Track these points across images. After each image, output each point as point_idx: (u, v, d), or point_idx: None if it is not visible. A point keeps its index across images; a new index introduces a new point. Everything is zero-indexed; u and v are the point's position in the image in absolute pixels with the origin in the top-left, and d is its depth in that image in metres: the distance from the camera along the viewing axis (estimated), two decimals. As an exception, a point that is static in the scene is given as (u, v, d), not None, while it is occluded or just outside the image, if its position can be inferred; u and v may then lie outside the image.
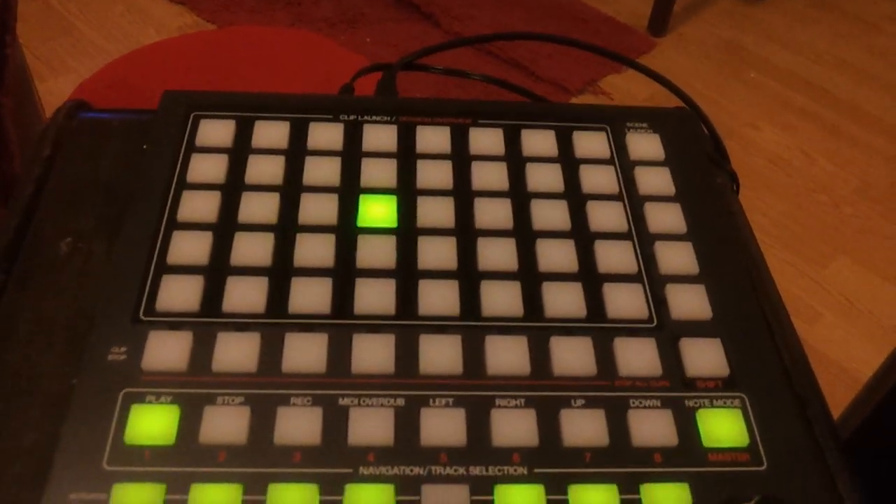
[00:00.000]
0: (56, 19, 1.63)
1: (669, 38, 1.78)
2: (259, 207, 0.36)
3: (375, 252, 0.34)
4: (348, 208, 0.36)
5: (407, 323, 0.32)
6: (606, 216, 0.37)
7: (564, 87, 1.55)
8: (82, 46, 1.58)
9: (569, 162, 0.39)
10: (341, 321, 0.32)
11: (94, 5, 1.66)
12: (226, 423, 0.29)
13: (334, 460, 0.28)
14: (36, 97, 1.08)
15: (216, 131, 0.38)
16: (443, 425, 0.30)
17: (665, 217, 0.38)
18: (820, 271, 1.33)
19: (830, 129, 1.60)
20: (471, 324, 0.33)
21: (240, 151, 0.38)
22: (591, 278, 0.35)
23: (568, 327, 0.33)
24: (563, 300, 0.34)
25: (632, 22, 1.78)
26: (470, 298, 0.34)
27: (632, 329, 0.34)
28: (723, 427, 0.31)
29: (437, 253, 0.35)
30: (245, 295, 0.33)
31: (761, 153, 1.54)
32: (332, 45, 1.01)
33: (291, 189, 0.37)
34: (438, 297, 0.33)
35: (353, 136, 0.39)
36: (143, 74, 0.94)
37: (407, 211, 0.36)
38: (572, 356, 0.32)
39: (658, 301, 0.35)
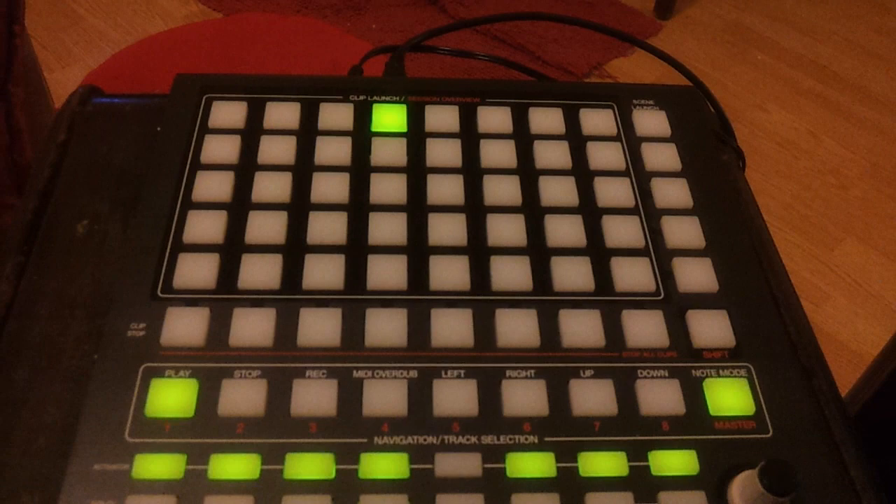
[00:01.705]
0: (64, 10, 1.63)
1: (675, 20, 1.77)
2: (272, 187, 0.36)
3: (387, 229, 0.35)
4: (360, 186, 0.37)
5: (419, 297, 0.33)
6: (614, 192, 0.38)
7: (571, 72, 1.55)
8: (90, 37, 1.59)
9: (576, 139, 0.40)
10: (354, 296, 0.33)
11: (102, -5, 1.67)
12: (243, 396, 0.30)
13: (349, 431, 0.29)
14: (45, 87, 1.09)
15: (228, 113, 0.39)
16: (455, 396, 0.30)
17: (671, 192, 0.38)
18: (828, 253, 1.33)
19: (838, 111, 1.60)
20: (481, 298, 0.33)
21: (252, 132, 0.39)
22: (598, 252, 0.36)
23: (576, 300, 0.34)
24: (572, 274, 0.34)
25: (638, 5, 1.78)
26: (480, 273, 0.34)
27: (639, 302, 0.34)
28: (729, 396, 0.32)
29: (447, 229, 0.35)
30: (260, 272, 0.33)
31: (769, 135, 1.53)
32: (337, 32, 1.01)
33: (303, 168, 0.37)
34: (449, 272, 0.34)
35: (362, 116, 0.40)
36: (151, 64, 0.95)
37: (417, 189, 0.37)
38: (581, 328, 0.33)
39: (665, 274, 0.35)
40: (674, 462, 0.30)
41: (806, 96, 1.62)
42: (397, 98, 0.41)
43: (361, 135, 0.39)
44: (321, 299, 0.33)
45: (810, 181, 1.45)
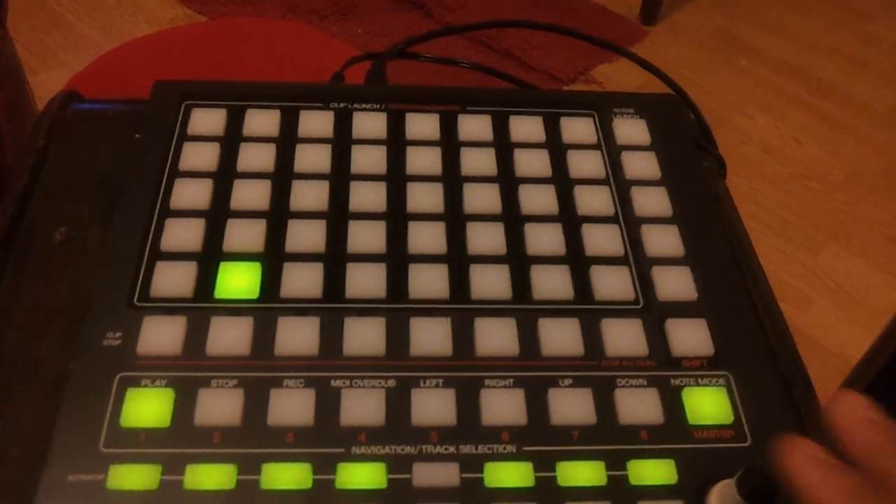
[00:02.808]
0: (48, 13, 1.62)
1: (661, 26, 1.78)
2: (251, 194, 0.36)
3: (366, 237, 0.35)
4: (339, 194, 0.37)
5: (397, 306, 0.33)
6: (593, 200, 0.38)
7: (556, 77, 1.55)
8: (74, 40, 1.58)
9: (556, 147, 0.40)
10: (333, 305, 0.33)
11: (86, -1, 1.66)
12: (220, 406, 0.29)
13: (327, 440, 0.29)
14: (28, 91, 1.08)
15: (208, 120, 0.39)
16: (433, 405, 0.30)
17: (651, 201, 0.38)
18: (811, 258, 1.33)
19: (822, 117, 1.61)
20: (460, 306, 0.33)
21: (231, 140, 0.38)
22: (578, 261, 0.36)
23: (556, 309, 0.34)
24: (551, 283, 0.34)
25: (623, 11, 1.78)
26: (459, 282, 0.34)
27: (618, 310, 0.34)
28: (708, 405, 0.32)
29: (426, 238, 0.35)
30: (238, 281, 0.33)
31: (753, 141, 1.54)
32: (323, 37, 1.01)
33: (283, 176, 0.37)
34: (428, 281, 0.34)
35: (343, 124, 0.40)
36: (135, 67, 0.94)
37: (397, 197, 0.37)
38: (560, 337, 0.33)
39: (644, 283, 0.35)
40: (652, 471, 0.30)
41: (790, 102, 1.63)
42: (378, 106, 0.40)
43: (341, 142, 0.39)
44: (299, 308, 0.33)
45: (794, 186, 1.46)
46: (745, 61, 1.72)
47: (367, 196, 0.37)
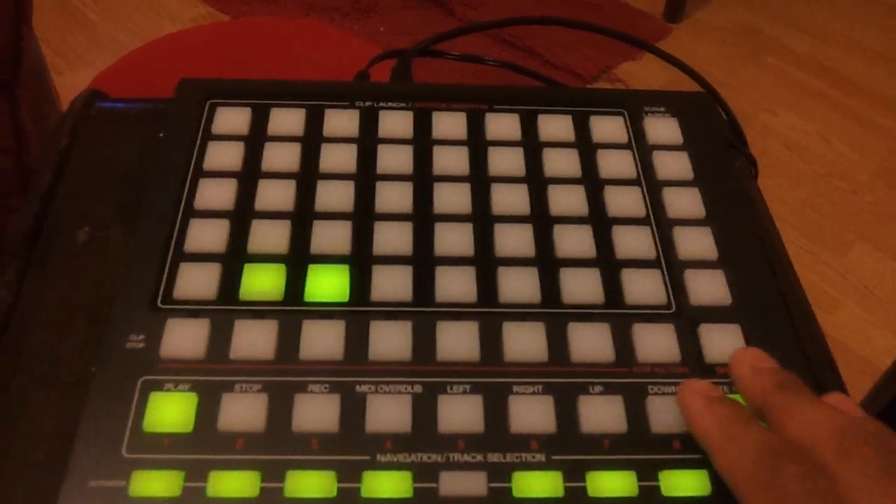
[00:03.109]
0: (72, 13, 1.64)
1: (685, 24, 1.76)
2: (275, 195, 0.36)
3: (392, 239, 0.34)
4: (365, 194, 0.36)
5: (424, 310, 0.32)
6: (624, 201, 0.37)
7: (579, 75, 1.54)
8: (98, 40, 1.59)
9: (586, 147, 0.39)
10: (358, 308, 0.32)
11: (110, -1, 1.67)
12: (244, 411, 0.29)
13: (352, 447, 0.28)
14: (53, 90, 1.09)
15: (232, 119, 0.38)
16: (460, 412, 0.30)
17: (683, 202, 0.37)
18: (839, 259, 1.31)
19: (849, 114, 1.58)
20: (488, 310, 0.33)
21: (256, 139, 0.38)
22: (608, 264, 0.35)
23: (586, 313, 0.33)
24: (581, 286, 0.34)
25: (647, 8, 1.77)
26: (487, 285, 0.33)
27: (650, 315, 0.33)
28: (743, 413, 0.31)
29: (453, 239, 0.35)
30: (262, 282, 0.33)
31: (779, 139, 1.52)
32: (345, 35, 1.01)
33: (308, 176, 0.37)
34: (455, 284, 0.33)
35: (368, 123, 0.39)
36: (158, 66, 0.94)
37: (423, 198, 0.36)
38: (590, 342, 0.32)
39: (677, 287, 0.34)
40: (685, 482, 0.29)
41: (816, 99, 1.61)
42: (404, 104, 0.40)
43: (367, 141, 0.38)
44: (324, 311, 0.32)
45: (821, 185, 1.44)
46: (771, 58, 1.70)
47: (393, 196, 0.36)
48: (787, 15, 1.80)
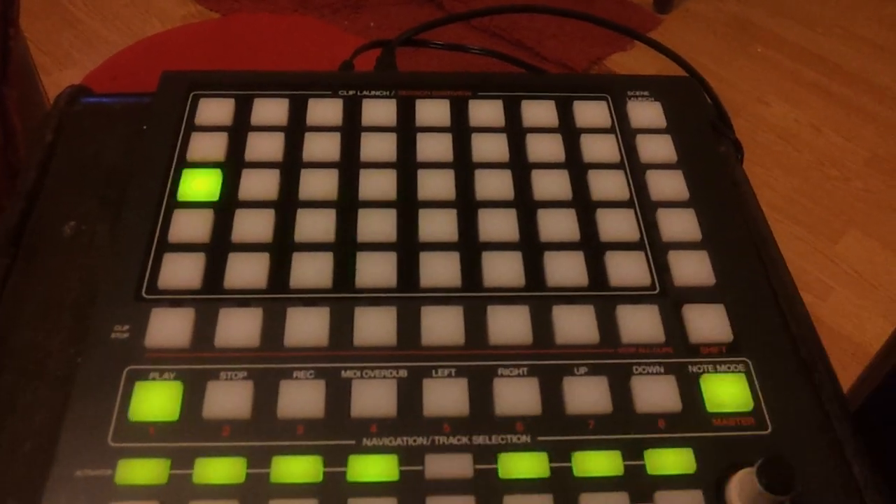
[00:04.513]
0: (60, 12, 1.63)
1: (675, 14, 1.76)
2: (259, 184, 0.36)
3: (376, 226, 0.34)
4: (349, 182, 0.36)
5: (408, 295, 0.32)
6: (608, 185, 0.37)
7: (569, 67, 1.54)
8: (87, 38, 1.58)
9: (569, 132, 0.39)
10: (343, 295, 0.32)
11: (99, -3, 1.66)
12: (229, 398, 0.29)
13: (337, 432, 0.29)
14: (41, 89, 1.08)
15: (215, 110, 0.38)
16: (445, 395, 0.30)
17: (667, 185, 0.37)
18: (830, 246, 1.32)
19: (840, 102, 1.59)
20: (472, 294, 0.33)
21: (239, 129, 0.38)
22: (592, 247, 0.35)
23: (570, 296, 0.33)
24: (565, 269, 0.34)
25: (637, -1, 1.77)
26: (471, 269, 0.33)
27: (634, 296, 0.33)
28: (727, 392, 0.31)
29: (437, 225, 0.35)
30: (246, 271, 0.33)
31: (770, 128, 1.52)
32: (335, 31, 1.00)
33: (291, 165, 0.37)
34: (440, 269, 0.33)
35: (352, 112, 0.39)
36: (148, 65, 0.94)
37: (407, 185, 0.36)
38: (574, 324, 0.32)
39: (661, 268, 0.34)
40: (670, 461, 0.29)
41: (807, 88, 1.61)
42: (387, 93, 0.40)
43: (351, 130, 0.38)
44: (309, 298, 0.32)
45: (812, 173, 1.44)
46: (761, 48, 1.70)
47: (377, 184, 0.36)
48: (777, 4, 1.80)
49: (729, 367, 0.32)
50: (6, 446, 0.31)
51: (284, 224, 0.34)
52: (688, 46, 1.66)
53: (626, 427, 0.30)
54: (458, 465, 0.28)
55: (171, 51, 0.97)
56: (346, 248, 0.34)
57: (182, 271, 0.32)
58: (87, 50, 1.56)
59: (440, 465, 0.28)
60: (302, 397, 0.29)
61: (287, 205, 0.35)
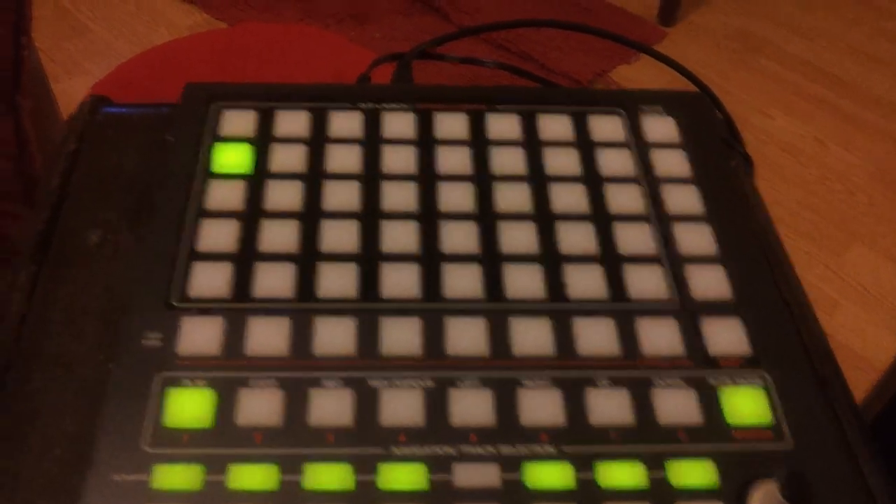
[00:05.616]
0: (69, 20, 1.64)
1: (679, 27, 1.77)
2: (283, 195, 0.36)
3: (399, 237, 0.35)
4: (371, 194, 0.37)
5: (432, 306, 0.33)
6: (624, 199, 0.38)
7: (575, 79, 1.55)
8: (95, 47, 1.59)
9: (585, 146, 0.40)
10: (368, 305, 0.33)
11: (106, 6, 1.67)
12: (261, 406, 0.30)
13: (367, 441, 0.29)
14: (52, 98, 1.09)
15: (238, 121, 0.39)
16: (471, 406, 0.30)
17: (682, 199, 0.38)
18: (835, 260, 1.32)
19: (844, 116, 1.59)
20: (495, 306, 0.33)
21: (261, 140, 0.39)
22: (611, 260, 0.35)
23: (590, 309, 0.34)
24: (585, 282, 0.34)
25: (641, 12, 1.78)
26: (493, 281, 0.34)
27: (653, 309, 0.34)
28: (746, 405, 0.32)
29: (459, 237, 0.35)
30: (274, 280, 0.33)
31: (774, 142, 1.53)
32: (341, 41, 1.01)
33: (314, 176, 0.37)
34: (462, 280, 0.34)
35: (372, 124, 0.40)
36: (156, 74, 0.95)
37: (428, 197, 0.37)
38: (596, 337, 0.33)
39: (678, 282, 0.35)
40: (692, 473, 0.29)
41: (811, 102, 1.62)
42: (406, 106, 0.41)
43: (371, 142, 0.39)
44: (335, 308, 0.33)
45: (817, 187, 1.45)
46: (765, 61, 1.71)
47: (399, 196, 0.37)
48: (781, 17, 1.82)
49: (747, 381, 0.32)
50: (36, 451, 0.31)
51: (309, 234, 0.35)
52: (692, 59, 1.68)
53: (648, 439, 0.30)
54: (485, 475, 0.29)
55: (179, 60, 0.98)
56: (370, 258, 0.34)
57: (211, 280, 0.33)
58: (96, 58, 1.57)
59: (468, 475, 0.28)
60: (331, 406, 0.30)
61: (311, 215, 0.36)
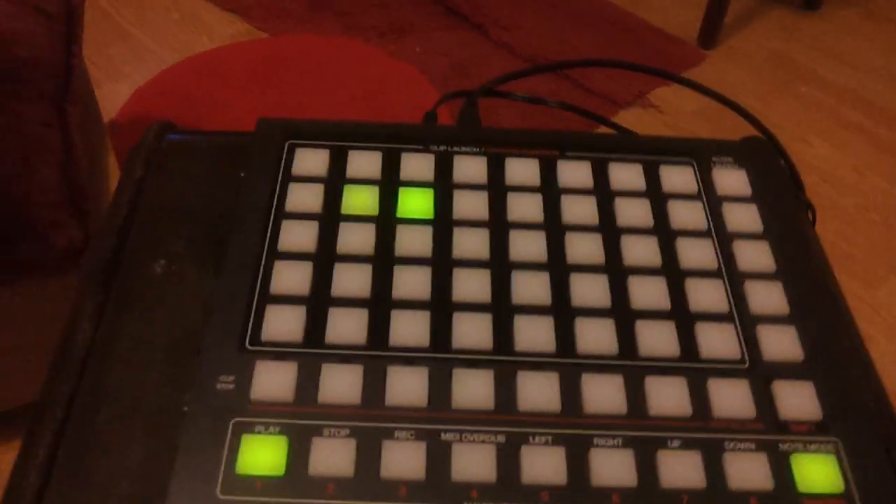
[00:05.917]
0: (111, 26, 1.66)
1: (719, 50, 1.76)
2: (356, 238, 0.36)
3: (471, 286, 0.35)
4: (442, 240, 0.37)
5: (504, 358, 0.33)
6: (696, 253, 0.37)
7: (614, 100, 1.55)
8: (137, 52, 1.61)
9: (657, 197, 0.40)
10: (440, 355, 0.33)
11: (150, 13, 1.69)
12: (333, 456, 0.30)
13: (439, 496, 0.29)
14: (96, 104, 1.11)
15: (311, 160, 0.39)
16: (543, 463, 0.30)
17: (753, 255, 0.38)
18: (872, 293, 1.31)
19: (882, 146, 1.58)
20: (567, 361, 0.33)
21: (335, 181, 0.39)
22: (682, 317, 0.35)
23: (661, 367, 0.33)
24: (657, 339, 0.34)
25: (681, 34, 1.77)
26: (565, 335, 0.34)
27: (724, 370, 0.34)
28: (818, 472, 0.31)
29: (530, 287, 0.35)
30: (346, 326, 0.33)
31: (811, 170, 1.52)
32: (380, 55, 1.02)
33: (386, 220, 0.37)
34: (534, 333, 0.34)
35: (443, 167, 0.40)
36: (197, 82, 0.96)
37: (499, 245, 0.37)
38: (667, 396, 0.32)
39: (749, 341, 0.35)
40: (766, 541, 0.29)
41: (850, 130, 1.61)
42: (477, 150, 0.41)
43: (443, 186, 0.39)
44: (407, 357, 0.33)
45: (854, 217, 1.43)
46: (805, 87, 1.70)
47: (471, 243, 0.37)
48: (822, 44, 1.80)
49: (819, 447, 0.32)
50: (102, 485, 0.31)
51: (382, 280, 0.35)
52: (730, 83, 1.67)
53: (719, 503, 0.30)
54: (557, 536, 0.28)
55: (220, 68, 0.99)
56: (442, 307, 0.34)
57: (284, 324, 0.33)
58: (137, 64, 1.59)
59: (541, 536, 0.28)
60: (403, 458, 0.30)
61: (383, 260, 0.36)
